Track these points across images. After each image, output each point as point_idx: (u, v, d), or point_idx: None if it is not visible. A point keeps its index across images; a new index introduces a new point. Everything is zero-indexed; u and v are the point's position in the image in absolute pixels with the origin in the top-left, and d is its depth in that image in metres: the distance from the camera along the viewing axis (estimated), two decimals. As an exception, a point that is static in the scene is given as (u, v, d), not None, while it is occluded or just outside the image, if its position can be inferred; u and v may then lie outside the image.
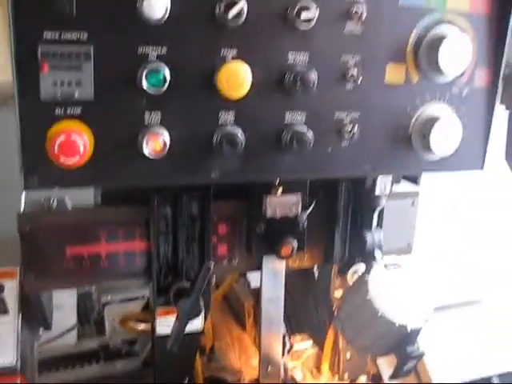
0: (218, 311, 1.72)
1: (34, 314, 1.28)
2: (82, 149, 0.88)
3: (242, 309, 1.69)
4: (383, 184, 1.19)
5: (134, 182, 0.97)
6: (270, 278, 1.31)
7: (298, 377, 1.43)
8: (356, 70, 1.02)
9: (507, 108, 1.79)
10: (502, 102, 1.24)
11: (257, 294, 1.41)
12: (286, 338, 1.65)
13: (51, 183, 0.93)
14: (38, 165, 0.90)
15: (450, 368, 1.54)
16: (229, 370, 1.41)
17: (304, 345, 1.51)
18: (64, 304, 2.15)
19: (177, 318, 1.14)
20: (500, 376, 1.64)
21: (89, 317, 2.31)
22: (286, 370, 1.47)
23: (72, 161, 0.88)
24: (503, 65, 1.16)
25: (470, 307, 1.68)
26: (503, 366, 1.63)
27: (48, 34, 0.85)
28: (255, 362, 1.51)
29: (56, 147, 0.86)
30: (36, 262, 1.12)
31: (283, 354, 1.50)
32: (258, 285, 1.33)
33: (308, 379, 1.43)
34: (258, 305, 1.39)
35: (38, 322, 1.32)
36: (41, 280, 1.13)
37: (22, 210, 1.16)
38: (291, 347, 1.51)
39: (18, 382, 1.15)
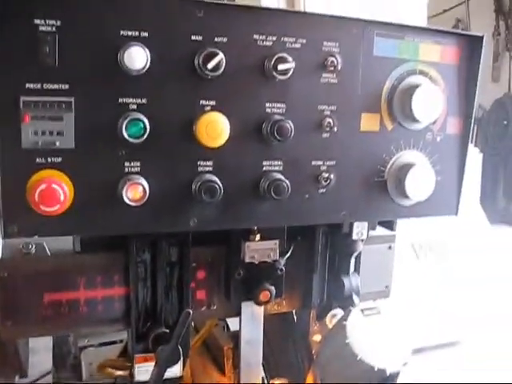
0: (197, 355, 1.71)
1: (9, 361, 1.27)
2: (62, 197, 0.89)
3: (220, 352, 1.67)
4: (359, 229, 1.21)
5: (113, 230, 0.98)
6: (249, 323, 1.31)
7: (276, 426, 1.42)
8: (332, 119, 1.06)
9: (481, 151, 1.84)
10: (475, 145, 1.28)
11: (236, 336, 1.41)
12: (266, 380, 1.64)
13: (31, 232, 0.94)
14: (17, 213, 0.90)
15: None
16: None
17: (283, 389, 1.50)
18: (39, 347, 2.12)
19: (155, 364, 1.14)
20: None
21: (65, 361, 2.27)
22: (265, 414, 1.46)
23: (52, 209, 0.89)
24: (474, 112, 1.20)
25: (447, 349, 1.69)
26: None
27: (30, 85, 0.87)
28: (235, 406, 1.49)
29: (36, 196, 0.87)
30: (13, 309, 1.11)
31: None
32: (237, 328, 1.33)
33: (286, 425, 1.42)
34: (236, 348, 1.39)
35: (14, 369, 1.30)
36: (18, 327, 1.12)
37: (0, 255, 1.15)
38: (270, 390, 1.50)
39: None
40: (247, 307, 1.28)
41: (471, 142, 1.25)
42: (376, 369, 1.08)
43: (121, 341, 2.07)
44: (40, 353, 2.23)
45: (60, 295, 1.13)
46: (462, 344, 1.71)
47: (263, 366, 1.43)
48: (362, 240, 1.24)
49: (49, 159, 0.90)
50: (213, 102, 0.97)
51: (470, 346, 1.72)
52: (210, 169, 0.99)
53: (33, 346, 1.37)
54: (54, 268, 1.13)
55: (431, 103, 1.10)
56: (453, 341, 1.70)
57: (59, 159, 0.91)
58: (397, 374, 1.11)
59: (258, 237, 1.16)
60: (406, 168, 1.12)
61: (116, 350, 2.06)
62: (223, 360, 1.64)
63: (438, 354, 1.66)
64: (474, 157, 1.81)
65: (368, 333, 1.14)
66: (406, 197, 1.12)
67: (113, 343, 2.11)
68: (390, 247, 1.42)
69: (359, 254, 1.29)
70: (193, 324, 1.57)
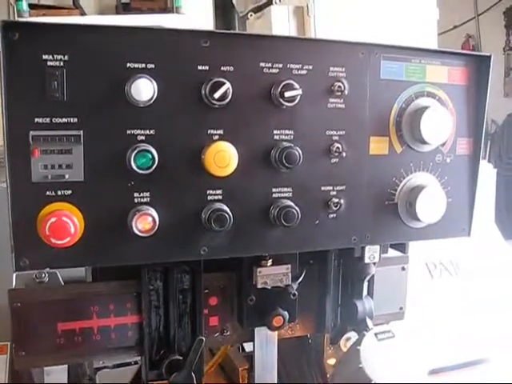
0: (212, 376, 1.70)
1: (24, 389, 1.27)
2: (72, 230, 0.89)
3: (235, 373, 1.67)
4: (371, 253, 1.20)
5: (123, 261, 0.99)
6: (263, 347, 1.31)
7: None
8: (340, 143, 1.06)
9: (494, 166, 1.83)
10: (489, 160, 1.27)
11: (251, 357, 1.40)
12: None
13: (42, 265, 0.95)
14: (28, 247, 0.91)
15: None
16: None
17: (300, 411, 1.49)
18: (54, 369, 2.12)
19: (169, 392, 1.14)
20: None
21: (80, 382, 2.28)
22: None
23: (63, 242, 0.89)
24: (483, 132, 1.19)
25: (472, 368, 1.66)
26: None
27: (39, 120, 0.88)
28: (250, 428, 1.48)
29: (47, 229, 0.88)
30: (26, 339, 1.11)
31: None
32: (252, 349, 1.32)
33: None
34: (251, 369, 1.38)
35: (29, 397, 1.31)
36: (32, 357, 1.12)
37: (13, 284, 1.16)
38: (287, 413, 1.49)
39: None
40: (260, 332, 1.28)
41: (484, 158, 1.24)
42: (390, 395, 1.08)
43: (135, 362, 2.06)
44: (55, 374, 2.24)
45: (73, 324, 1.13)
46: (482, 363, 1.69)
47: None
48: (375, 263, 1.23)
49: (59, 192, 0.91)
50: (220, 131, 0.97)
51: (490, 365, 1.69)
52: (220, 197, 0.99)
53: (48, 368, 1.36)
54: (66, 297, 1.13)
55: (440, 125, 1.10)
56: (471, 360, 1.67)
57: (69, 192, 0.91)
58: (410, 399, 1.10)
59: (269, 262, 1.15)
60: (416, 190, 1.11)
61: (131, 371, 2.06)
62: (238, 381, 1.64)
63: (458, 373, 1.63)
64: (488, 172, 1.79)
65: (382, 357, 1.13)
66: (418, 219, 1.12)
67: (128, 365, 2.11)
68: (403, 268, 1.41)
69: (372, 276, 1.28)
70: (207, 347, 1.57)
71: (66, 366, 2.23)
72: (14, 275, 1.28)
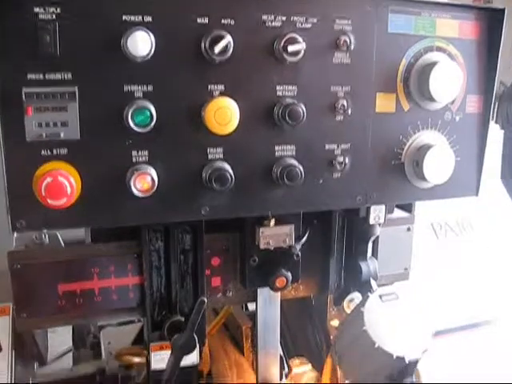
0: (215, 336, 1.70)
1: (28, 351, 1.27)
2: (69, 190, 0.87)
3: (239, 332, 1.67)
4: (377, 213, 1.18)
5: (122, 222, 0.96)
6: (266, 308, 1.30)
7: (298, 404, 1.41)
8: (346, 100, 1.02)
9: (502, 128, 1.78)
10: (496, 121, 1.23)
11: (254, 316, 1.39)
12: (284, 362, 1.63)
13: (39, 226, 0.92)
14: (25, 208, 0.89)
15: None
16: None
17: (303, 368, 1.48)
18: (59, 328, 2.13)
19: (171, 353, 1.13)
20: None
21: (84, 340, 2.30)
22: (285, 393, 1.45)
23: (59, 203, 0.87)
24: (494, 90, 1.15)
25: (476, 329, 1.65)
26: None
27: (32, 76, 0.85)
28: (254, 385, 1.48)
29: (43, 189, 0.85)
30: (28, 300, 1.10)
31: (281, 378, 1.48)
32: (255, 308, 1.32)
33: (308, 403, 1.41)
34: (255, 327, 1.37)
35: (33, 358, 1.30)
36: (33, 319, 1.11)
37: (13, 245, 1.15)
38: (290, 371, 1.48)
39: (12, 421, 1.13)
40: (263, 293, 1.27)
41: (492, 119, 1.20)
42: (394, 357, 1.06)
43: (139, 320, 2.07)
44: (60, 333, 2.26)
45: (74, 286, 1.12)
46: (487, 325, 1.68)
47: (281, 346, 1.41)
48: (380, 224, 1.21)
49: (54, 151, 0.88)
50: (221, 87, 0.94)
51: (500, 325, 1.68)
52: (221, 156, 0.96)
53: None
54: (67, 258, 1.12)
55: (450, 81, 1.05)
56: (476, 322, 1.66)
57: (65, 151, 0.88)
58: (416, 362, 1.08)
59: (272, 222, 1.13)
60: (423, 149, 1.08)
61: (134, 329, 2.08)
62: (242, 339, 1.64)
63: (464, 335, 1.62)
64: (495, 134, 1.75)
65: (386, 319, 1.11)
66: (425, 180, 1.08)
67: (131, 322, 2.12)
68: (408, 229, 1.39)
69: (377, 237, 1.26)
70: (210, 308, 1.56)
71: (71, 326, 2.26)
72: (14, 237, 1.27)
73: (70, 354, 2.36)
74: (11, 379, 1.15)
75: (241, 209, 1.01)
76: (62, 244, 1.20)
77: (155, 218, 0.98)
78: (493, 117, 1.19)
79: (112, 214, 0.94)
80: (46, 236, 1.24)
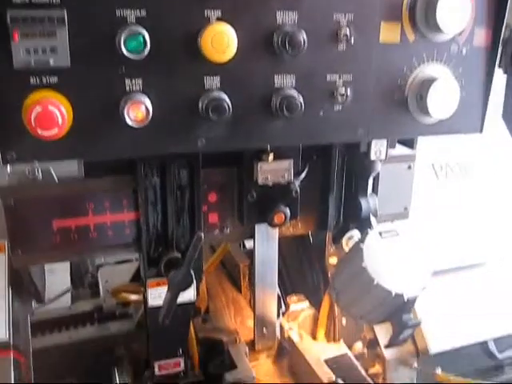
0: (213, 273, 1.70)
1: (25, 288, 1.26)
2: (60, 120, 0.83)
3: (236, 270, 1.67)
4: (378, 149, 1.15)
5: (116, 153, 0.93)
6: (264, 244, 1.29)
7: (295, 338, 1.41)
8: (348, 29, 0.97)
9: (505, 72, 1.73)
10: (499, 65, 1.18)
11: (251, 254, 1.39)
12: (282, 300, 1.64)
13: (30, 158, 0.90)
14: (15, 139, 0.86)
15: (446, 333, 1.52)
16: (224, 331, 1.40)
17: (300, 305, 1.49)
18: (57, 268, 2.14)
19: (168, 289, 1.12)
20: (495, 340, 1.63)
21: (83, 279, 2.32)
22: (282, 331, 1.46)
23: (50, 133, 0.83)
24: (504, 24, 1.10)
25: (471, 270, 1.65)
26: (499, 329, 1.61)
27: (17, -2, 0.80)
28: (250, 322, 1.50)
29: (33, 119, 0.82)
30: (22, 237, 1.09)
31: (279, 316, 1.48)
32: (253, 246, 1.31)
33: (305, 340, 1.41)
34: (253, 266, 1.37)
35: (30, 295, 1.30)
36: (29, 255, 1.10)
37: (6, 181, 1.12)
38: (287, 308, 1.48)
39: (11, 356, 1.12)
40: (261, 229, 1.26)
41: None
42: (393, 294, 1.05)
43: (136, 259, 2.07)
44: (58, 273, 2.26)
45: (69, 221, 1.10)
46: (487, 265, 1.67)
47: (278, 284, 1.41)
48: (381, 160, 1.18)
49: (43, 79, 0.84)
50: (218, 12, 0.89)
51: (495, 267, 1.68)
52: (218, 85, 0.93)
53: (51, 267, 1.36)
54: (61, 194, 1.10)
55: (457, 11, 1.00)
56: (476, 263, 1.65)
57: (55, 79, 0.85)
58: (415, 299, 1.08)
59: (271, 157, 1.11)
60: (428, 83, 1.04)
61: (132, 267, 2.09)
62: (239, 277, 1.64)
63: (461, 276, 1.62)
64: (498, 78, 1.70)
65: (385, 256, 1.10)
66: (428, 114, 1.05)
67: (128, 261, 2.12)
68: (409, 167, 1.36)
69: (377, 174, 1.24)
70: (208, 245, 1.56)
71: (69, 264, 2.27)
72: (7, 172, 1.24)
73: (69, 293, 2.38)
74: (8, 316, 1.14)
75: (238, 141, 0.98)
76: (56, 180, 1.18)
77: (150, 150, 0.95)
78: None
79: (105, 146, 0.91)
80: (40, 171, 1.21)
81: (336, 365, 1.27)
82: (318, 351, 1.33)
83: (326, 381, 1.19)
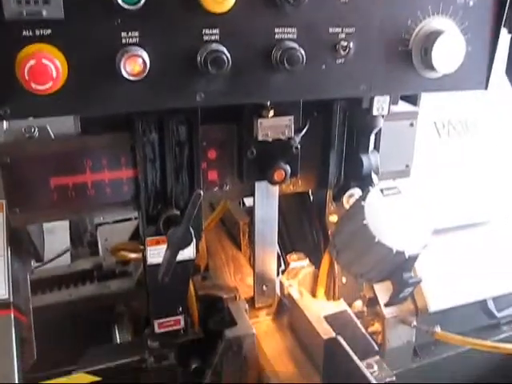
0: (212, 231, 1.70)
1: (24, 247, 1.25)
2: (54, 73, 0.81)
3: (236, 228, 1.66)
4: (380, 104, 1.12)
5: (113, 108, 0.91)
6: (264, 202, 1.28)
7: (295, 295, 1.41)
8: (351, -21, 0.94)
9: (509, 32, 1.69)
10: (504, 25, 1.15)
11: (251, 212, 1.38)
12: (281, 259, 1.64)
13: (25, 113, 0.88)
14: (8, 94, 0.84)
15: (446, 292, 1.52)
16: (224, 288, 1.39)
17: (301, 263, 1.49)
18: (56, 227, 2.14)
19: (167, 247, 1.11)
20: (495, 299, 1.64)
21: (82, 239, 2.32)
22: (282, 288, 1.46)
23: (44, 87, 0.81)
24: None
25: (473, 229, 1.64)
26: (499, 288, 1.61)
27: None
28: (250, 280, 1.49)
29: (26, 73, 0.80)
30: (19, 195, 1.07)
31: (278, 274, 1.48)
32: (252, 204, 1.30)
33: (305, 298, 1.41)
34: (252, 223, 1.36)
35: (29, 255, 1.29)
36: (26, 214, 1.09)
37: (2, 138, 1.10)
38: (287, 266, 1.48)
39: (12, 315, 1.12)
40: (261, 187, 1.24)
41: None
42: (394, 251, 1.04)
43: (136, 218, 2.08)
44: (57, 232, 2.27)
45: (66, 179, 1.09)
46: (490, 224, 1.66)
47: (278, 242, 1.41)
48: (383, 116, 1.16)
49: (37, 32, 0.81)
50: (217, -41, 0.86)
51: (498, 225, 1.67)
52: (217, 37, 0.90)
53: (49, 227, 1.36)
54: (58, 151, 1.08)
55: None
56: (480, 221, 1.65)
57: (48, 31, 0.82)
58: (416, 257, 1.07)
59: (271, 113, 1.09)
60: (433, 36, 1.01)
61: (131, 226, 2.09)
62: (239, 235, 1.64)
63: (462, 234, 1.61)
64: (503, 38, 1.66)
65: (387, 214, 1.09)
66: (433, 68, 1.02)
67: (128, 220, 2.13)
68: (411, 124, 1.34)
69: (379, 131, 1.22)
70: (207, 203, 1.54)
71: (68, 223, 2.27)
72: (2, 129, 1.22)
73: (68, 253, 2.39)
74: (8, 275, 1.14)
75: (238, 95, 0.96)
76: (53, 137, 1.16)
77: (147, 105, 0.93)
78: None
79: (101, 101, 0.89)
80: (36, 129, 1.19)
81: (335, 321, 1.27)
82: (318, 308, 1.33)
83: (325, 337, 1.19)
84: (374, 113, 1.13)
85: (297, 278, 1.46)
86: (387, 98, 1.12)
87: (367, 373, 1.08)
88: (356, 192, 1.27)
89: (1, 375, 1.09)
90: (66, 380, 1.24)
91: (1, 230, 1.15)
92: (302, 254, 1.49)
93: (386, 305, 1.17)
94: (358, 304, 1.50)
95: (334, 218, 1.41)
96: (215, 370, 1.21)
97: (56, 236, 2.21)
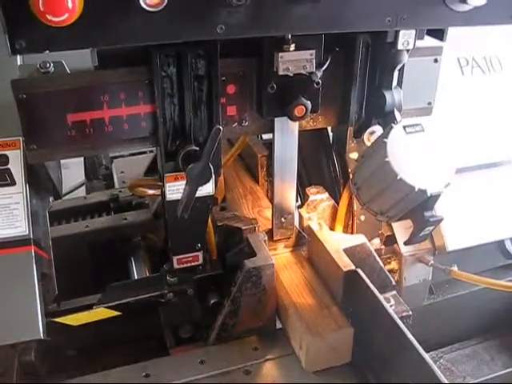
0: (231, 167, 1.68)
1: (42, 184, 1.25)
2: (70, 4, 0.78)
3: (254, 161, 1.65)
4: (406, 38, 1.08)
5: (130, 40, 0.89)
6: (283, 139, 1.26)
7: (315, 227, 1.40)
8: None
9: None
10: None
11: (270, 145, 1.36)
12: (299, 195, 1.62)
13: (40, 47, 0.85)
14: (23, 26, 0.81)
15: (464, 231, 1.51)
16: (243, 219, 1.38)
17: (320, 196, 1.47)
18: (70, 162, 2.13)
19: (186, 183, 1.10)
20: (512, 239, 1.63)
21: (97, 173, 2.32)
22: (301, 220, 1.45)
23: (60, 19, 0.79)
24: None
25: (494, 169, 1.61)
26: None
27: None
28: (268, 213, 1.49)
29: (41, 4, 0.77)
30: (36, 132, 1.06)
31: (299, 206, 1.47)
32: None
33: (324, 230, 1.41)
34: (271, 156, 1.35)
35: (48, 192, 1.30)
36: (44, 150, 1.08)
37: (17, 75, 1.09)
38: (306, 199, 1.47)
39: (32, 251, 1.14)
40: (281, 123, 1.22)
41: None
42: (416, 189, 1.03)
43: (151, 151, 2.07)
44: (72, 168, 2.26)
45: (83, 115, 1.07)
46: (510, 164, 1.63)
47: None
48: (408, 50, 1.12)
49: (51, -40, 0.78)
50: None
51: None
52: (239, -34, 0.86)
53: (64, 162, 1.35)
54: (74, 86, 1.06)
55: None
56: (499, 161, 1.61)
57: (64, -41, 0.79)
58: (438, 196, 1.05)
59: (292, 47, 1.05)
60: (465, -35, 0.96)
61: (146, 158, 2.08)
62: (257, 168, 1.62)
63: (483, 174, 1.59)
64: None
65: (409, 152, 1.06)
66: (464, 1, 0.98)
67: (143, 153, 2.11)
68: (436, 60, 1.30)
69: (403, 66, 1.18)
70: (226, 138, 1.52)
71: (82, 158, 2.25)
72: (18, 65, 1.20)
73: (84, 187, 2.39)
74: (27, 212, 1.14)
75: (259, 27, 0.93)
76: (68, 72, 1.14)
77: (166, 37, 0.91)
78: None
79: (119, 32, 0.87)
80: (51, 65, 1.17)
81: (355, 254, 1.27)
82: (338, 241, 1.32)
83: (345, 269, 1.19)
84: (399, 47, 1.10)
85: (316, 211, 1.44)
86: (413, 31, 1.08)
87: (387, 305, 1.08)
88: (377, 129, 1.24)
89: (24, 311, 1.11)
90: (87, 315, 1.26)
91: (19, 167, 1.15)
92: (321, 188, 1.47)
93: (406, 243, 1.16)
94: (376, 242, 1.50)
95: (354, 155, 1.39)
96: (233, 300, 1.22)
97: (71, 171, 2.20)
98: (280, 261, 1.40)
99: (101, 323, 1.27)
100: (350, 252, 1.27)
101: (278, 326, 1.32)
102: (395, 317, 1.07)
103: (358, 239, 1.32)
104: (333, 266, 1.24)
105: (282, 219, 1.39)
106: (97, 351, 1.36)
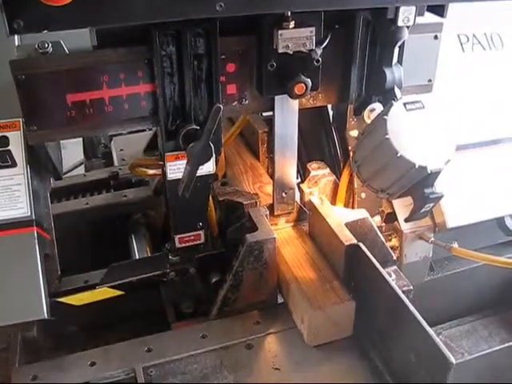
0: (231, 145, 1.68)
1: (42, 165, 1.25)
2: (68, -18, 0.78)
3: (255, 137, 1.64)
4: (406, 15, 1.08)
5: (129, 19, 0.89)
6: (283, 117, 1.26)
7: (316, 202, 1.40)
8: None
9: None
10: None
11: (270, 121, 1.36)
12: (299, 172, 1.62)
13: (38, 26, 0.85)
14: (21, 5, 0.81)
15: (464, 208, 1.51)
16: (244, 194, 1.38)
17: (322, 171, 1.47)
18: (69, 142, 2.12)
19: (187, 162, 1.10)
20: (512, 215, 1.63)
21: (96, 151, 2.31)
22: (302, 195, 1.45)
23: (59, -2, 0.79)
24: None
25: (494, 146, 1.61)
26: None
27: None
28: (269, 189, 1.49)
29: (39, -18, 0.77)
30: (36, 112, 1.06)
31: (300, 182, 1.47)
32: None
33: (326, 205, 1.41)
34: (271, 132, 1.34)
35: (48, 173, 1.30)
36: (44, 131, 1.08)
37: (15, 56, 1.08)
38: (307, 174, 1.47)
39: (35, 232, 1.14)
40: (281, 101, 1.22)
41: None
42: (417, 166, 1.03)
43: (150, 129, 2.05)
44: (71, 148, 2.25)
45: (83, 95, 1.07)
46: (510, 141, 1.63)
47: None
48: (408, 27, 1.11)
49: None
50: None
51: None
52: None
53: (63, 142, 1.34)
54: (73, 67, 1.05)
55: None
56: (500, 138, 1.61)
57: None
58: (438, 172, 1.06)
59: (292, 24, 1.05)
60: None
61: (146, 136, 2.06)
62: (257, 144, 1.62)
63: (483, 151, 1.58)
64: None
65: (409, 128, 1.07)
66: (462, -26, 0.97)
67: (142, 131, 2.10)
68: (436, 37, 1.29)
69: (403, 43, 1.17)
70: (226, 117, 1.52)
71: (81, 138, 2.23)
72: (16, 46, 1.19)
73: (83, 166, 2.38)
74: (29, 193, 1.14)
75: (259, 4, 0.93)
76: (67, 52, 1.13)
77: (165, 15, 0.90)
78: None
79: (118, 11, 0.86)
80: (50, 45, 1.16)
81: (356, 228, 1.27)
82: (339, 215, 1.32)
83: (347, 244, 1.19)
84: (399, 23, 1.09)
85: (317, 186, 1.44)
86: (413, 7, 1.08)
87: (389, 279, 1.09)
88: (377, 106, 1.24)
89: (28, 291, 1.12)
90: (90, 294, 1.27)
91: (19, 148, 1.15)
92: (322, 163, 1.47)
93: (406, 220, 1.17)
94: (377, 219, 1.50)
95: (354, 133, 1.39)
96: (235, 274, 1.22)
97: (69, 151, 2.18)
98: (281, 235, 1.40)
99: (102, 300, 1.28)
100: (351, 226, 1.27)
101: (280, 300, 1.33)
102: (398, 290, 1.07)
103: (360, 214, 1.32)
104: (334, 240, 1.24)
105: (283, 194, 1.39)
106: (99, 328, 1.37)
